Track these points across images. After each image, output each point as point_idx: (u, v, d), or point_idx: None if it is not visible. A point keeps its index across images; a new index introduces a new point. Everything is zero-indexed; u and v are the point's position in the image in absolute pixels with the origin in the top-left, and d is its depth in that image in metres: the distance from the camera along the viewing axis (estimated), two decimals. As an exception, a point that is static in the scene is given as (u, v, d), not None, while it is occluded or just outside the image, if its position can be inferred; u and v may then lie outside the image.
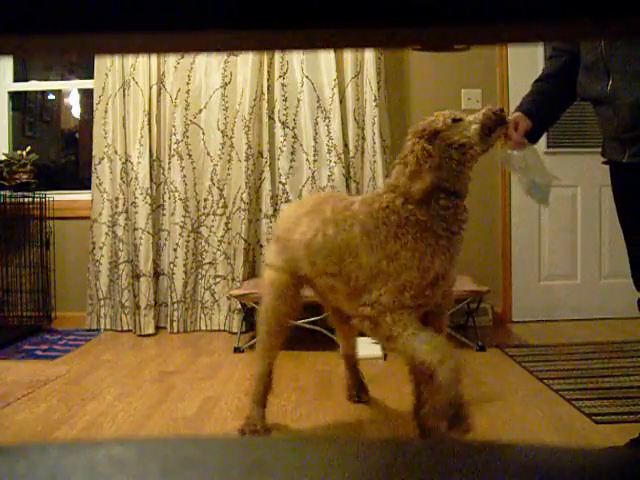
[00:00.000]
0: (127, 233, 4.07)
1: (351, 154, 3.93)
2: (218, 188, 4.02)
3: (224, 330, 3.99)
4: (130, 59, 4.02)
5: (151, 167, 4.04)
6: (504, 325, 4.04)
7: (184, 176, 4.04)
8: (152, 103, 4.03)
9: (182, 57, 3.99)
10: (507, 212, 4.12)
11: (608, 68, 1.91)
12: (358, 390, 2.57)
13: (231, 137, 4.02)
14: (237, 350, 3.49)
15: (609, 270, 4.16)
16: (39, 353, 3.52)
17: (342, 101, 3.95)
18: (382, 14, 0.29)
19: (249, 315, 3.79)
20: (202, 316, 4.07)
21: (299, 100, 3.97)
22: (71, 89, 4.96)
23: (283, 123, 3.99)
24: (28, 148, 4.22)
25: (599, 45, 1.93)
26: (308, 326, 3.47)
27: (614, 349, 3.33)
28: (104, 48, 0.34)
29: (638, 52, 1.85)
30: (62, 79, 5.00)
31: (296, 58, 3.95)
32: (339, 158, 3.88)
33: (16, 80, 4.52)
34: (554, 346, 3.44)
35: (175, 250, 4.03)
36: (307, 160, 3.97)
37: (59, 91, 5.06)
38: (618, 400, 2.51)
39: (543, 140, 4.12)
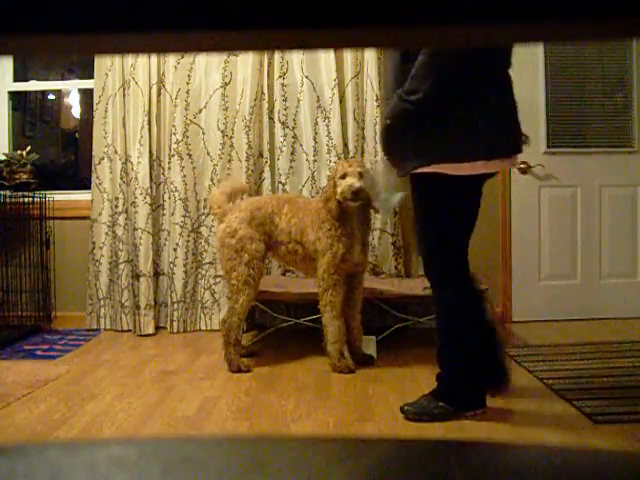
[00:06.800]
0: (127, 233, 4.07)
1: (351, 154, 3.93)
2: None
3: (224, 330, 3.99)
4: (130, 59, 4.02)
5: (151, 167, 4.04)
6: (504, 325, 4.04)
7: (184, 176, 4.03)
8: (152, 103, 4.03)
9: (182, 57, 3.99)
10: (507, 212, 4.12)
11: None
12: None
13: (231, 137, 4.02)
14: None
15: (609, 270, 4.15)
16: (39, 353, 3.52)
17: (342, 101, 3.95)
18: (382, 14, 0.29)
19: (250, 314, 3.78)
20: (202, 316, 4.07)
21: (299, 100, 3.97)
22: (71, 89, 4.96)
23: (283, 123, 3.99)
24: (28, 148, 4.22)
25: None
26: (308, 324, 3.47)
27: (614, 349, 3.33)
28: (104, 48, 0.34)
29: None
30: (62, 79, 5.00)
31: (296, 58, 3.95)
32: (339, 158, 3.87)
33: (16, 80, 4.52)
34: (554, 346, 3.44)
35: (175, 250, 4.02)
36: (307, 160, 3.97)
37: (59, 91, 5.06)
38: (618, 400, 2.51)
39: (543, 140, 4.12)
